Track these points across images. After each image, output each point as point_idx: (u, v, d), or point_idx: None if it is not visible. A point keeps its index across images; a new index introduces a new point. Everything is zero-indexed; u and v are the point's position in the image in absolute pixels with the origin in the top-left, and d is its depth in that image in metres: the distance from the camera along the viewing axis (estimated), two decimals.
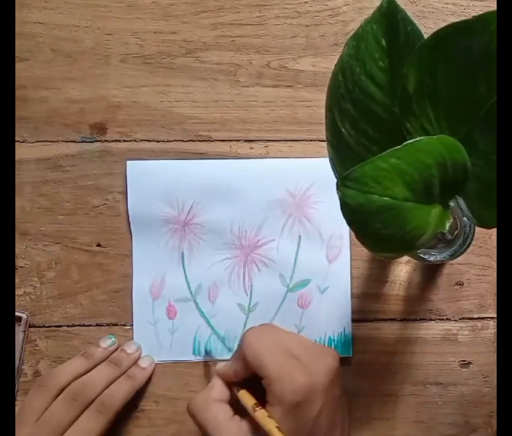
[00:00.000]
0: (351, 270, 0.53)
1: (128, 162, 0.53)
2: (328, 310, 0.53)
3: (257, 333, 0.47)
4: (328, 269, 0.53)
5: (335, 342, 0.52)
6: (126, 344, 0.52)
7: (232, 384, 0.47)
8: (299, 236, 0.53)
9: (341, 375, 0.47)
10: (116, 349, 0.52)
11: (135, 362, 0.52)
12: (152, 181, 0.53)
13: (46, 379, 0.49)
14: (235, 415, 0.45)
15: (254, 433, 0.44)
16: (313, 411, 0.44)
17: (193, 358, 0.53)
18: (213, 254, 0.53)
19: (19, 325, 0.52)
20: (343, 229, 0.53)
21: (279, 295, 0.53)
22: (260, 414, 0.43)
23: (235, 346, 0.52)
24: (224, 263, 0.53)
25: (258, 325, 0.49)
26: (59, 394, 0.48)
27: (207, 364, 0.53)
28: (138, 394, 0.52)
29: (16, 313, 0.52)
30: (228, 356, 0.52)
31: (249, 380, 0.47)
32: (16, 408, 0.49)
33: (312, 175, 0.53)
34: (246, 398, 0.45)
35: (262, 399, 0.45)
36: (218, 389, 0.47)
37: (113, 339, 0.52)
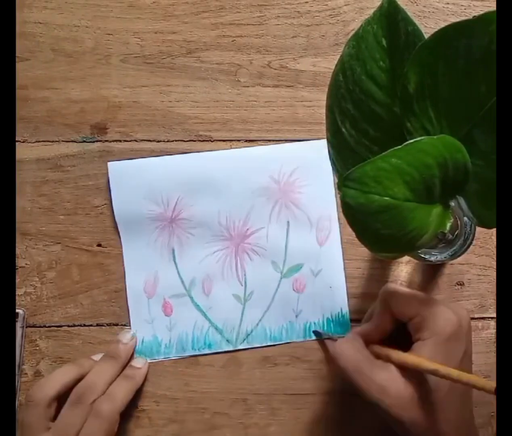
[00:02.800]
0: (342, 250, 0.53)
1: (109, 163, 0.53)
2: (323, 292, 0.53)
3: (394, 286, 0.45)
4: (319, 252, 0.53)
5: (334, 323, 0.52)
6: (121, 334, 0.52)
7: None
8: (288, 222, 0.53)
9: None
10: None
11: (131, 356, 0.52)
12: (135, 180, 0.53)
13: (32, 394, 0.48)
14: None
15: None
16: (459, 351, 0.43)
17: (192, 352, 0.53)
18: (204, 248, 0.53)
19: (17, 321, 0.52)
20: (331, 211, 0.53)
21: (274, 281, 0.53)
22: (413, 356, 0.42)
23: (234, 337, 0.53)
24: (215, 255, 0.53)
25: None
26: (50, 403, 0.48)
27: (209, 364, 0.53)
28: (139, 394, 0.52)
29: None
30: (228, 347, 0.52)
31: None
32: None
33: (295, 160, 0.53)
34: (385, 349, 0.44)
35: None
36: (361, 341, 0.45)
37: (132, 332, 0.53)
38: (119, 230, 0.53)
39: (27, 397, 0.48)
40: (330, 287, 0.52)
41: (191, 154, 0.53)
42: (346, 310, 0.52)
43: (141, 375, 0.51)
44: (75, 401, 0.47)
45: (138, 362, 0.52)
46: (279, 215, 0.53)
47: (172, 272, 0.53)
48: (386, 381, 0.42)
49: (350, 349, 0.44)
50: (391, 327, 0.45)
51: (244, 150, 0.54)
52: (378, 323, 0.46)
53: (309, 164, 0.53)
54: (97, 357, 0.51)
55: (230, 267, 0.53)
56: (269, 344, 0.52)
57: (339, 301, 0.52)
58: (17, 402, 0.51)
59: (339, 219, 0.53)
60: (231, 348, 0.53)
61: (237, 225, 0.53)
